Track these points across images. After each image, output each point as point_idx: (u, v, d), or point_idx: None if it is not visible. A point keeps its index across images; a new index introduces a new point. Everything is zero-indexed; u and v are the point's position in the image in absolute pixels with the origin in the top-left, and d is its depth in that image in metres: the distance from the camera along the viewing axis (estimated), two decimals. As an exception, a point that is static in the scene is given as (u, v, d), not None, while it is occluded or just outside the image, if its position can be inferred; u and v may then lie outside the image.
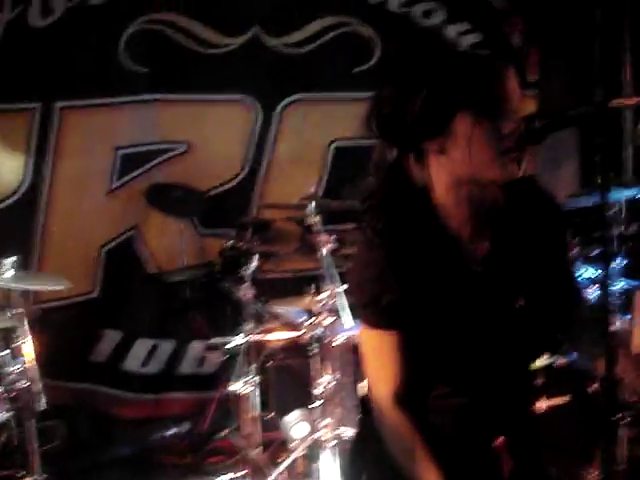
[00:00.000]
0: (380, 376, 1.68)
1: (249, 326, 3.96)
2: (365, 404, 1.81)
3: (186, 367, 4.81)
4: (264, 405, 4.20)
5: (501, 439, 1.71)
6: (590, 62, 5.54)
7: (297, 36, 4.61)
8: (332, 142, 4.74)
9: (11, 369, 3.29)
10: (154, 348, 4.73)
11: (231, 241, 4.40)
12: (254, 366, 4.03)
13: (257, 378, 4.01)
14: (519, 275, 1.68)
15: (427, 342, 1.66)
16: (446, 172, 1.60)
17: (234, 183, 4.70)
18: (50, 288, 3.85)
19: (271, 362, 4.34)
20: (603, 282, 1.50)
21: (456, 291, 1.65)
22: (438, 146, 1.58)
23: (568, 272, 1.86)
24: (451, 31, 4.90)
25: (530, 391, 1.85)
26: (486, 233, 1.66)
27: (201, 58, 4.51)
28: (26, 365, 3.30)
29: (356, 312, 1.75)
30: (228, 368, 4.24)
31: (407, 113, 1.56)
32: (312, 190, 3.78)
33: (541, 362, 3.40)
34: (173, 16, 4.44)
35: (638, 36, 5.51)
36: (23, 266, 4.23)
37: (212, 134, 4.61)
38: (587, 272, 4.03)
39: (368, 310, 1.66)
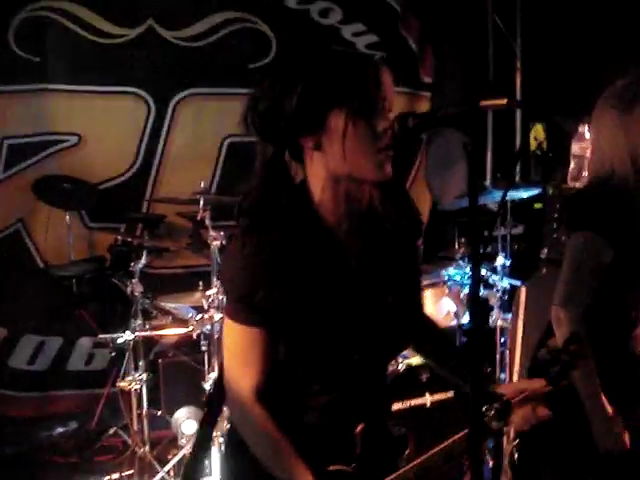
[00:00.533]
0: (243, 371, 1.67)
1: (138, 322, 3.93)
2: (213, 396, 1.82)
3: (74, 364, 4.71)
4: (155, 402, 4.17)
5: (360, 426, 1.74)
6: (484, 65, 5.72)
7: (193, 30, 4.56)
8: (226, 138, 4.71)
9: None
10: (41, 345, 4.60)
11: (120, 236, 4.35)
12: (142, 363, 4.00)
13: (145, 375, 3.98)
14: (388, 273, 1.73)
15: (298, 338, 1.67)
16: (322, 168, 1.61)
17: (126, 177, 4.61)
18: None
19: (161, 359, 4.31)
20: (474, 281, 1.53)
21: (331, 286, 1.66)
22: (313, 142, 1.59)
23: (417, 279, 1.91)
24: (347, 31, 4.94)
25: (385, 382, 1.87)
26: (360, 230, 1.69)
27: (94, 48, 4.40)
28: None
29: (225, 306, 1.74)
30: (117, 365, 4.19)
31: (282, 109, 1.56)
32: (203, 185, 3.74)
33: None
34: (66, 4, 4.33)
35: (529, 41, 5.70)
36: None
37: (104, 127, 4.51)
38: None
39: (239, 305, 1.64)
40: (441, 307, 3.89)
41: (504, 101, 1.56)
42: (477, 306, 1.53)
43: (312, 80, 1.56)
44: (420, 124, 1.56)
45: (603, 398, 2.22)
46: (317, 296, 1.65)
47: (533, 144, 6.39)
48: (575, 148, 3.56)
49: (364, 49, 5.03)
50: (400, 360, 3.43)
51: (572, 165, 3.56)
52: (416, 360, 3.43)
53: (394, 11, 5.12)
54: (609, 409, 2.22)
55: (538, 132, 6.35)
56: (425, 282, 3.99)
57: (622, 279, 2.27)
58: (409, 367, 3.38)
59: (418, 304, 1.90)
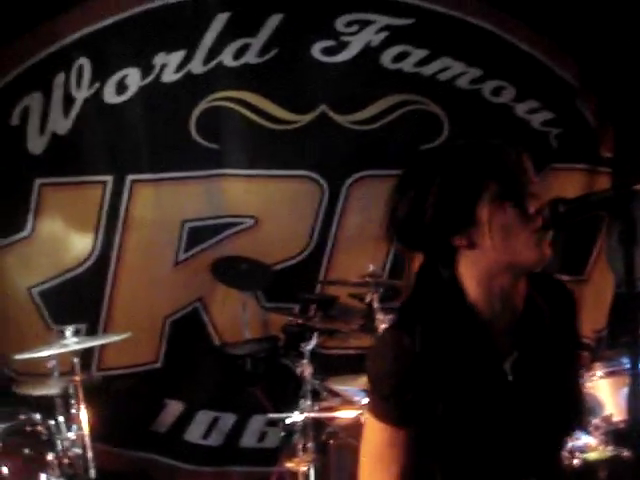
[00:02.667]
0: (377, 471, 1.61)
1: (307, 403, 3.94)
2: None
3: (247, 441, 4.78)
4: (325, 484, 4.14)
5: None
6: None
7: (365, 113, 4.64)
8: (398, 220, 4.69)
9: (65, 436, 3.34)
10: (215, 420, 4.72)
11: (294, 316, 4.42)
12: (311, 444, 3.99)
13: (313, 456, 3.96)
14: (545, 382, 1.62)
15: (440, 443, 1.59)
16: (476, 266, 1.56)
17: (300, 258, 4.70)
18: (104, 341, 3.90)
19: (332, 440, 4.28)
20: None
21: (486, 393, 1.58)
22: (467, 240, 1.54)
23: (577, 378, 1.79)
24: (520, 109, 4.86)
25: None
26: (515, 332, 1.61)
27: (269, 134, 4.58)
28: (80, 432, 3.34)
29: (369, 403, 1.68)
30: (288, 444, 4.21)
31: (424, 212, 1.53)
32: (372, 268, 3.75)
33: (602, 454, 3.27)
34: (243, 93, 4.54)
35: None
36: (89, 334, 4.36)
37: (279, 209, 4.66)
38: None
39: (385, 403, 1.58)
40: (621, 398, 3.63)
41: None
42: (637, 407, 1.41)
43: (450, 176, 1.53)
44: (572, 210, 1.49)
45: None
46: (466, 399, 1.57)
47: None
48: None
49: (539, 126, 4.93)
50: (577, 454, 3.21)
51: None
52: (594, 455, 3.21)
53: (569, 86, 4.99)
54: None
55: None
56: (605, 370, 3.75)
57: None
58: (585, 462, 3.16)
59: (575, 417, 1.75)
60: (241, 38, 4.48)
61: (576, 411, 1.74)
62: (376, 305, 3.58)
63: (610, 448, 3.45)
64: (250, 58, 4.52)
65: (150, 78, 4.40)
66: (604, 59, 5.05)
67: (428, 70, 4.73)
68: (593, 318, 5.14)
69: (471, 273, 1.57)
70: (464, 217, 1.52)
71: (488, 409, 1.58)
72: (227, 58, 4.49)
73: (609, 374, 3.74)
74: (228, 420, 4.74)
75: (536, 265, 1.56)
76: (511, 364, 1.60)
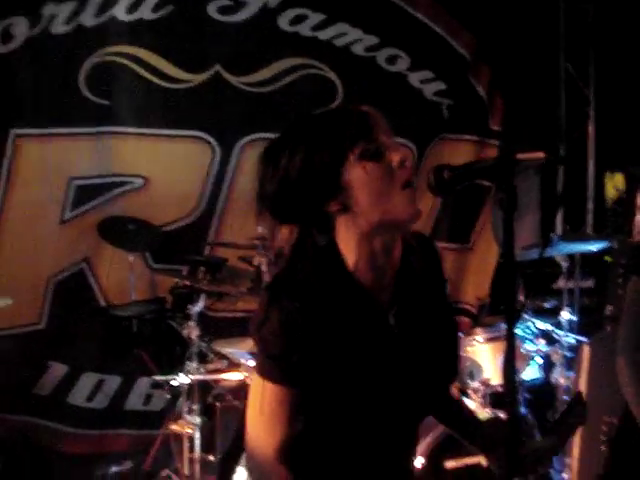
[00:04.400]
0: (268, 430, 1.63)
1: (193, 365, 3.92)
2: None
3: (132, 403, 4.72)
4: (210, 447, 4.14)
5: None
6: (554, 114, 5.61)
7: (259, 75, 4.61)
8: (289, 182, 4.70)
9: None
10: (100, 383, 4.64)
11: (182, 278, 4.37)
12: (197, 406, 3.98)
13: (198, 419, 3.96)
14: (425, 330, 1.69)
15: (331, 401, 1.63)
16: (354, 229, 1.59)
17: (189, 220, 4.65)
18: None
19: (218, 403, 4.28)
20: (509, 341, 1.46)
21: (369, 346, 1.63)
22: (339, 204, 1.57)
23: (451, 334, 1.86)
24: (414, 78, 4.92)
25: (412, 446, 1.82)
26: (396, 287, 1.66)
27: (162, 93, 4.48)
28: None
29: (257, 361, 1.69)
30: (174, 407, 4.19)
31: (293, 184, 1.56)
32: (261, 230, 3.73)
33: (481, 416, 3.37)
34: (136, 49, 4.42)
35: (603, 91, 5.58)
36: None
37: (169, 169, 4.58)
38: (536, 324, 4.03)
39: (272, 363, 1.60)
40: (499, 362, 3.76)
41: (542, 155, 1.51)
42: (512, 371, 1.46)
43: (312, 144, 1.56)
44: (456, 176, 1.52)
45: None
46: (354, 355, 1.61)
47: (614, 194, 6.22)
48: (640, 200, 3.43)
49: (432, 96, 5.01)
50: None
51: (638, 217, 3.43)
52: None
53: (463, 58, 5.08)
54: None
55: (618, 181, 6.18)
56: (485, 336, 3.88)
57: None
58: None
59: (454, 367, 1.84)
60: (135, -8, 4.37)
61: (453, 359, 1.82)
62: (264, 268, 3.57)
63: (488, 410, 3.58)
64: (144, 13, 4.41)
65: (38, 29, 4.22)
66: (498, 33, 5.17)
67: (325, 35, 4.74)
68: (476, 285, 5.30)
69: (349, 236, 1.60)
70: (332, 182, 1.55)
71: (376, 362, 1.63)
72: (120, 12, 4.36)
73: (489, 340, 3.87)
74: (113, 383, 4.66)
75: (408, 220, 1.60)
76: (394, 317, 1.65)
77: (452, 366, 1.81)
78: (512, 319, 1.50)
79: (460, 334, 3.95)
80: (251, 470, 1.72)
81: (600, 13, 5.50)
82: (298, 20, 4.67)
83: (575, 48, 5.58)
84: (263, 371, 1.63)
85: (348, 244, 1.61)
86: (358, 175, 1.54)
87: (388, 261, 1.64)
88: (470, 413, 1.96)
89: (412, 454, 1.84)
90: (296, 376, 1.60)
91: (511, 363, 1.48)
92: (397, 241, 1.65)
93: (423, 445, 3.22)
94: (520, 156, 1.49)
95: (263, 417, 1.64)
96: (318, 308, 1.58)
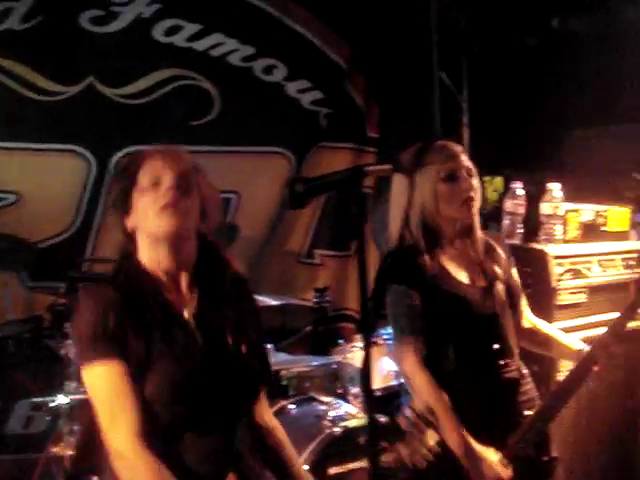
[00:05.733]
0: (118, 418, 1.69)
1: (73, 385, 3.82)
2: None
3: (12, 427, 4.55)
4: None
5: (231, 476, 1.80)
6: (430, 120, 5.75)
7: (134, 87, 4.56)
8: (165, 195, 4.65)
9: None
10: (-24, 407, 4.46)
11: (59, 296, 4.25)
12: (77, 427, 3.88)
13: (79, 439, 3.85)
14: (224, 325, 1.90)
15: (151, 383, 1.75)
16: (142, 237, 1.91)
17: (66, 235, 4.55)
18: None
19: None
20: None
21: (167, 338, 1.81)
22: (131, 222, 1.93)
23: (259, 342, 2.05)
24: (291, 88, 4.96)
25: (238, 430, 1.90)
26: (190, 284, 1.93)
27: (33, 106, 4.37)
28: None
29: (80, 356, 1.79)
30: (55, 428, 4.07)
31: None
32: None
33: (361, 421, 3.42)
34: (4, 61, 4.30)
35: (476, 97, 5.75)
36: None
37: (43, 184, 4.46)
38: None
39: (93, 344, 1.74)
40: (380, 367, 3.82)
41: (389, 167, 1.59)
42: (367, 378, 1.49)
43: (120, 173, 2.00)
44: (309, 189, 1.57)
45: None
46: (155, 347, 1.78)
47: (494, 196, 6.42)
48: (508, 205, 3.57)
49: (309, 106, 5.06)
50: (338, 422, 3.34)
51: (506, 222, 3.56)
52: (354, 422, 3.35)
53: (340, 68, 5.15)
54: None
55: (497, 185, 6.38)
56: (365, 341, 3.93)
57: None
58: (346, 429, 3.29)
59: (256, 374, 1.99)
60: (3, 1, 4.25)
61: (262, 365, 2.01)
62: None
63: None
64: (13, 23, 4.31)
65: None
66: (373, 42, 5.27)
67: (200, 45, 4.73)
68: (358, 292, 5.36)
69: (142, 242, 1.92)
70: (124, 204, 1.92)
71: (174, 355, 1.79)
72: (-14, 22, 4.23)
73: (369, 344, 3.92)
74: (-10, 406, 4.50)
75: (166, 236, 1.88)
76: (191, 314, 1.90)
77: (253, 372, 1.95)
78: (368, 324, 1.55)
79: (341, 340, 4.00)
80: (119, 469, 1.72)
81: (471, 22, 5.68)
82: (173, 31, 4.64)
83: (448, 56, 5.74)
84: (84, 357, 1.76)
85: (142, 249, 1.92)
86: (136, 200, 1.90)
87: (176, 265, 1.91)
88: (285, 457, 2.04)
89: (241, 446, 1.89)
90: (117, 347, 1.74)
91: (367, 370, 1.52)
92: (186, 246, 1.92)
93: (307, 452, 3.24)
94: (369, 168, 1.56)
95: (107, 406, 1.71)
96: (121, 300, 1.81)
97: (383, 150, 5.35)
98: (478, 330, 2.46)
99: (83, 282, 1.94)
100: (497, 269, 2.53)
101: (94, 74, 4.47)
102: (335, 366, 3.86)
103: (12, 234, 4.33)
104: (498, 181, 6.31)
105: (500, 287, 2.51)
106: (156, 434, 1.73)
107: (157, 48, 4.63)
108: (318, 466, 3.22)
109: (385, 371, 3.83)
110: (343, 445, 3.30)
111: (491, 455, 2.33)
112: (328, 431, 3.28)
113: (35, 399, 4.02)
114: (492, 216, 6.24)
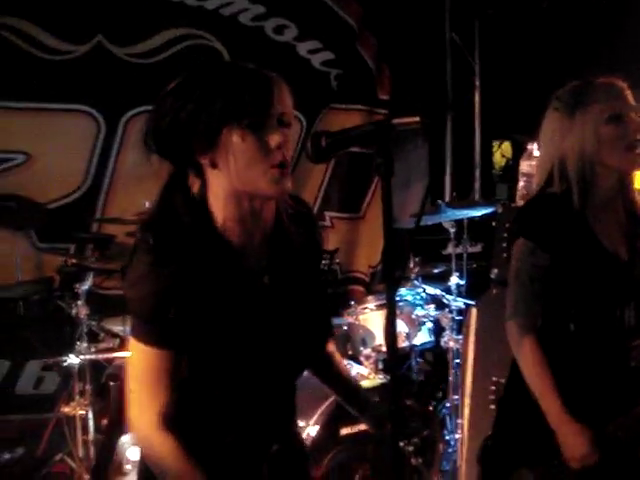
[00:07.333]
0: (148, 396, 1.61)
1: (83, 345, 3.83)
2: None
3: (22, 387, 4.58)
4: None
5: (274, 448, 1.73)
6: (442, 82, 5.70)
7: (144, 46, 4.50)
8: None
9: None
10: (-13, 368, 4.48)
11: (69, 256, 4.25)
12: (89, 387, 3.89)
13: (91, 399, 3.87)
14: (297, 291, 1.73)
15: (209, 360, 1.63)
16: (221, 187, 1.59)
17: (75, 196, 4.53)
18: None
19: (112, 382, 4.20)
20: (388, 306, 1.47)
21: (240, 305, 1.64)
22: (209, 160, 1.56)
23: (323, 297, 1.91)
24: (302, 48, 4.91)
25: (292, 404, 1.83)
26: (267, 249, 1.68)
27: (42, 65, 4.31)
28: None
29: (133, 326, 1.65)
30: (65, 388, 4.08)
31: (179, 126, 1.54)
32: (148, 205, 3.64)
33: (373, 382, 3.43)
34: (13, 20, 4.24)
35: (488, 60, 5.70)
36: None
37: (52, 145, 4.42)
38: (426, 290, 4.10)
39: (149, 326, 1.59)
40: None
41: (417, 119, 1.53)
42: (393, 339, 1.47)
43: (204, 96, 1.53)
44: (333, 143, 1.51)
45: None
46: (227, 313, 1.62)
47: (502, 161, 6.39)
48: (524, 166, 3.52)
49: (320, 66, 5.00)
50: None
51: (521, 183, 3.52)
52: (366, 383, 3.36)
53: (351, 28, 5.09)
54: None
55: (506, 149, 6.35)
56: (377, 303, 3.93)
57: (566, 283, 2.20)
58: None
59: (327, 326, 1.90)
60: (11, -40, 4.19)
61: (325, 320, 1.88)
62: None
63: (380, 376, 3.63)
64: (20, -18, 4.24)
65: None
66: (385, 4, 5.19)
67: (211, 4, 4.67)
68: (368, 254, 5.36)
69: (217, 193, 1.60)
70: (209, 137, 1.54)
71: (250, 319, 1.64)
72: (-6, -19, 4.18)
73: (379, 306, 3.93)
74: (2, 367, 4.50)
75: (273, 198, 1.63)
76: (268, 278, 1.67)
77: (325, 325, 1.87)
78: (392, 286, 1.51)
79: (352, 302, 3.99)
80: (137, 439, 1.69)
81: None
82: (183, -11, 4.58)
83: (460, 18, 5.67)
84: (137, 334, 1.62)
85: (217, 201, 1.61)
86: (235, 140, 1.53)
87: (258, 224, 1.65)
88: (348, 376, 1.99)
89: (293, 413, 1.85)
90: (170, 337, 1.59)
91: (392, 327, 1.48)
92: (268, 206, 1.65)
93: (318, 413, 3.24)
94: (396, 121, 1.49)
95: (142, 383, 1.62)
96: (189, 267, 1.57)
97: (394, 112, 5.30)
98: (610, 308, 2.21)
99: (140, 243, 1.61)
100: None
101: (103, 33, 4.42)
102: (345, 327, 3.86)
103: (21, 194, 4.32)
104: (506, 146, 6.29)
105: None
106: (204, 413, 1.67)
107: (167, 7, 4.56)
108: (329, 427, 3.24)
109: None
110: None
111: (585, 435, 2.13)
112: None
113: (45, 360, 4.01)
114: (501, 178, 6.23)
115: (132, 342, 1.63)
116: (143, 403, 1.62)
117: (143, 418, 1.62)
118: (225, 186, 1.58)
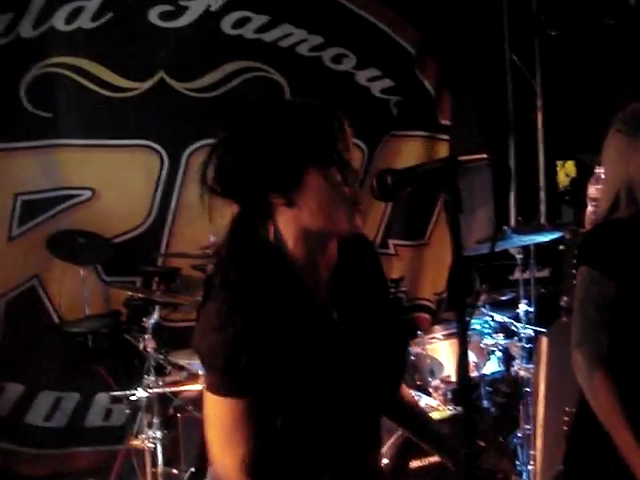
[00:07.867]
0: (228, 447, 1.56)
1: (151, 378, 3.85)
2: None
3: (92, 420, 4.63)
4: (174, 460, 4.07)
5: None
6: (503, 105, 5.64)
7: (204, 80, 4.56)
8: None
9: None
10: (58, 401, 4.54)
11: (135, 290, 4.30)
12: (157, 420, 3.91)
13: (159, 433, 3.89)
14: (369, 325, 1.67)
15: (290, 405, 1.57)
16: (293, 224, 1.55)
17: (140, 230, 4.59)
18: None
19: (179, 415, 4.21)
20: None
21: (315, 343, 1.59)
22: (285, 200, 1.53)
23: (397, 325, 1.82)
24: (361, 77, 4.91)
25: (375, 445, 1.79)
26: (335, 283, 1.64)
27: (106, 102, 4.41)
28: None
29: (205, 378, 1.62)
30: (134, 421, 4.11)
31: (249, 166, 1.51)
32: (213, 239, 3.67)
33: (443, 414, 3.37)
34: (77, 60, 4.34)
35: (549, 80, 5.62)
36: None
37: (117, 180, 4.51)
38: (494, 317, 4.03)
39: (221, 377, 1.54)
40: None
41: (484, 156, 1.49)
42: (466, 377, 1.43)
43: (280, 137, 1.51)
44: (399, 181, 1.49)
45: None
46: (302, 354, 1.57)
47: (566, 180, 6.28)
48: (592, 190, 3.43)
49: (379, 94, 5.00)
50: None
51: (589, 209, 3.43)
52: (435, 415, 3.30)
53: (409, 54, 5.07)
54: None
55: (570, 168, 6.24)
56: (444, 332, 3.87)
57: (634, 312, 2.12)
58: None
59: (402, 359, 1.83)
60: (73, 1, 4.29)
61: (400, 356, 1.80)
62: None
63: (450, 407, 3.57)
64: (84, 22, 4.35)
65: (-24, 41, 4.13)
66: (443, 26, 5.17)
67: (269, 37, 4.70)
68: (433, 281, 5.30)
69: (288, 230, 1.56)
70: (289, 178, 1.51)
71: (324, 358, 1.59)
72: (59, 22, 4.30)
73: (447, 336, 3.86)
74: (71, 400, 4.56)
75: (347, 234, 1.60)
76: (338, 314, 1.63)
77: (400, 362, 1.79)
78: (463, 315, 1.47)
79: (420, 332, 3.93)
80: None
81: (543, 2, 5.54)
82: (241, 23, 4.62)
83: (520, 39, 5.61)
84: (211, 386, 1.58)
85: (288, 239, 1.57)
86: (317, 180, 1.51)
87: (323, 258, 1.62)
88: (424, 413, 1.94)
89: (377, 452, 1.80)
90: (244, 386, 1.54)
91: (464, 358, 1.45)
92: (333, 242, 1.63)
93: (387, 446, 3.19)
94: (463, 158, 1.46)
95: (221, 434, 1.57)
96: (262, 309, 1.52)
97: (456, 137, 5.26)
98: None
99: (209, 291, 1.58)
100: None
101: (164, 69, 4.49)
102: (413, 358, 3.81)
103: (88, 230, 4.40)
104: (569, 165, 6.18)
105: None
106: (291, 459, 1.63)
107: (226, 41, 4.61)
108: (399, 460, 3.19)
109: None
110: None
111: None
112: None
113: (114, 393, 4.05)
114: (565, 201, 6.11)
115: (207, 394, 1.59)
116: (222, 453, 1.57)
117: (226, 467, 1.57)
118: (299, 224, 1.55)
